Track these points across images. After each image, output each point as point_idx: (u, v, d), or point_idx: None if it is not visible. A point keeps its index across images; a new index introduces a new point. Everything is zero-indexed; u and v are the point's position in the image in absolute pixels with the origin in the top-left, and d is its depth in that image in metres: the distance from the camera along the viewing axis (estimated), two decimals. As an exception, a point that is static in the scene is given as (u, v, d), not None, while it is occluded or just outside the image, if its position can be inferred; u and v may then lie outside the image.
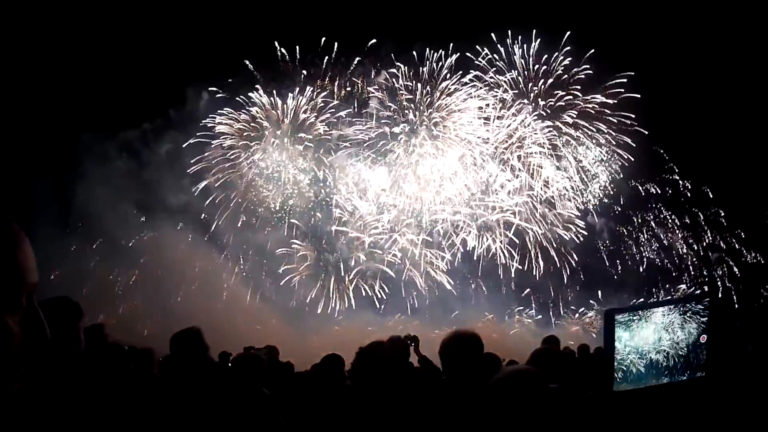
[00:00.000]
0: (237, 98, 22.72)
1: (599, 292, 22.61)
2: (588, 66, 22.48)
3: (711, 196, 22.97)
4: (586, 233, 23.14)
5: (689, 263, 23.06)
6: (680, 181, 23.25)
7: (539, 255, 23.00)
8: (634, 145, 22.70)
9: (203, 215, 22.53)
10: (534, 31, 22.67)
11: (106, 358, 3.66)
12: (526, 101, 22.94)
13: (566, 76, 22.80)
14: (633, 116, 22.41)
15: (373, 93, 23.04)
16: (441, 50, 22.83)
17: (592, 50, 22.10)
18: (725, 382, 3.52)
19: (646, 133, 22.41)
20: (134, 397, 3.57)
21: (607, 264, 23.42)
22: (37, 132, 18.53)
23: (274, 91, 22.88)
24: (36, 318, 0.92)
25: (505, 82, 23.07)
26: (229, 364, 5.57)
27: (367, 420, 4.12)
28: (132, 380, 3.88)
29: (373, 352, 4.48)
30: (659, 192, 23.55)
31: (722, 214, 22.76)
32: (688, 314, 3.35)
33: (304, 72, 22.93)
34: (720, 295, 21.09)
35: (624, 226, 23.69)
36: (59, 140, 19.10)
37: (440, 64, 22.93)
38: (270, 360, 5.34)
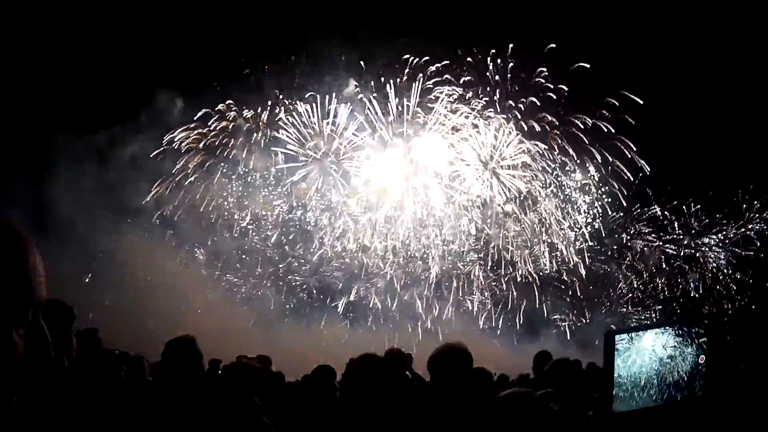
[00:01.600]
0: (207, 110, 22.58)
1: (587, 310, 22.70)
2: (563, 87, 22.00)
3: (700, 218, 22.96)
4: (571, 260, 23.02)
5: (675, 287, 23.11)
6: (660, 211, 23.14)
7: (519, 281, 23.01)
8: (624, 170, 22.26)
9: (170, 232, 22.55)
10: (510, 46, 22.13)
11: (99, 363, 3.62)
12: (504, 120, 22.52)
13: (551, 93, 22.26)
14: (616, 135, 21.99)
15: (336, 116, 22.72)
16: (415, 63, 22.45)
17: (578, 64, 21.56)
18: (722, 403, 3.53)
19: (639, 158, 22.08)
20: (127, 404, 3.53)
21: (587, 284, 23.30)
22: (7, 132, 18.34)
23: (245, 107, 22.82)
24: (41, 334, 0.91)
25: (480, 96, 22.62)
26: (219, 372, 5.52)
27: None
28: (124, 386, 3.84)
29: (364, 364, 4.44)
30: (647, 218, 23.44)
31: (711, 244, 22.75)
32: (687, 336, 3.36)
33: (277, 91, 22.83)
34: (717, 316, 21.07)
35: (611, 251, 23.57)
36: (30, 141, 19.00)
37: (417, 77, 22.57)
38: (261, 370, 5.30)
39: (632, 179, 22.15)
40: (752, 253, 22.36)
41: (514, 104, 22.57)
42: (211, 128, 22.75)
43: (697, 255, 22.99)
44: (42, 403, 2.50)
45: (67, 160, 20.10)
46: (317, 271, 23.37)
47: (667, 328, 3.10)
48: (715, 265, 22.82)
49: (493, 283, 23.17)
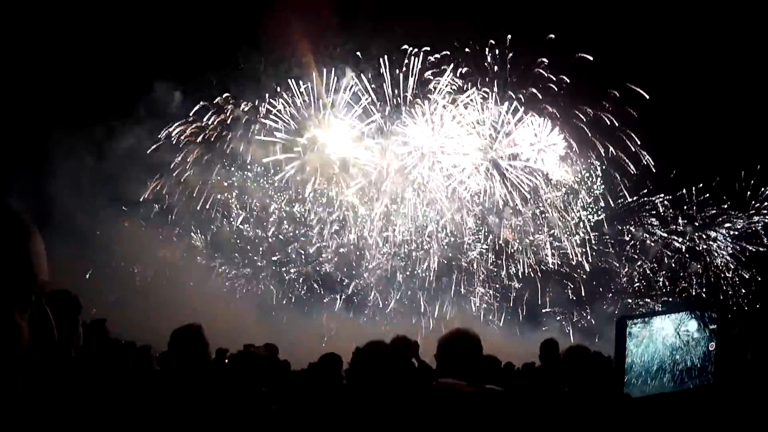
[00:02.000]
0: (204, 104, 22.52)
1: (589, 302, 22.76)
2: (564, 77, 21.83)
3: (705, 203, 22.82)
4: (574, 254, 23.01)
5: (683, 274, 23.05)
6: (661, 204, 23.06)
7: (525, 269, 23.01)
8: (627, 161, 22.13)
9: (169, 225, 22.62)
10: (509, 37, 21.89)
11: (107, 354, 3.61)
12: (504, 111, 22.34)
13: (551, 85, 22.05)
14: (619, 126, 21.86)
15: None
16: (414, 55, 22.31)
17: (579, 54, 21.34)
18: (729, 390, 3.51)
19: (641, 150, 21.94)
20: (134, 394, 3.53)
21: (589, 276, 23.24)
22: (5, 127, 18.33)
23: (242, 100, 22.76)
24: (45, 318, 0.89)
25: (479, 87, 22.45)
26: (226, 361, 5.51)
27: (362, 421, 4.07)
28: (132, 376, 3.83)
29: (371, 352, 4.42)
30: (649, 207, 23.35)
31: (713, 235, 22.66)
32: (700, 320, 3.33)
33: (274, 83, 22.77)
34: (726, 304, 21.04)
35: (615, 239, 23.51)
36: (28, 136, 19.00)
37: (415, 67, 22.37)
38: (268, 358, 5.29)
39: (635, 171, 22.12)
40: (759, 248, 22.31)
41: (513, 95, 22.47)
42: (209, 121, 22.76)
43: (702, 248, 22.95)
44: (47, 392, 2.48)
45: (65, 154, 20.13)
46: (316, 263, 23.45)
47: (680, 313, 3.08)
48: (720, 261, 22.79)
49: (494, 274, 23.22)
